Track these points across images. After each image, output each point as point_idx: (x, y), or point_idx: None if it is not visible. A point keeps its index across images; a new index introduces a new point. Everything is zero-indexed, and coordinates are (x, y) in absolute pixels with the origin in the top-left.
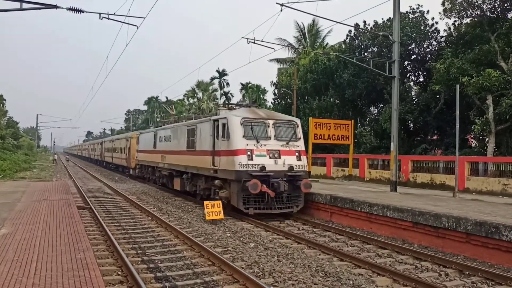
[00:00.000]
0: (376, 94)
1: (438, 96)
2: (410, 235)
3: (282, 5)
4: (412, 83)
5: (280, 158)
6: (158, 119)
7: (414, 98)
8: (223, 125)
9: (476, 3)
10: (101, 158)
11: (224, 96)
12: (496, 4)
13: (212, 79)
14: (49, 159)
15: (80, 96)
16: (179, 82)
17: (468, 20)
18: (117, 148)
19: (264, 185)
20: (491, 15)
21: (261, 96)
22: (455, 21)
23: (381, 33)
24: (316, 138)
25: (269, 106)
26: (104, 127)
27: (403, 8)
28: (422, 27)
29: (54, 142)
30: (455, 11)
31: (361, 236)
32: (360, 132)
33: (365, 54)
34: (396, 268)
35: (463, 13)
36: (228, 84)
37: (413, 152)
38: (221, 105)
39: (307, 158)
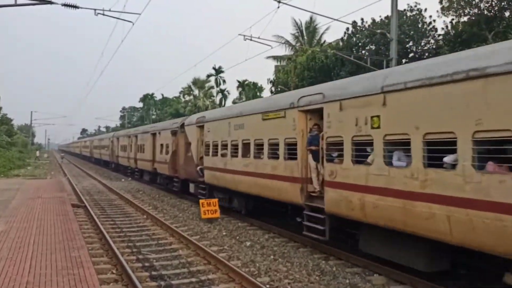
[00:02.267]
0: None
1: None
2: None
3: (279, 1)
4: None
5: None
6: (153, 117)
7: None
8: None
9: (474, 2)
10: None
11: (220, 94)
12: (493, 3)
13: (208, 76)
14: (44, 156)
15: (76, 92)
16: (175, 80)
17: (465, 18)
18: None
19: None
20: (489, 14)
21: (258, 93)
22: (452, 19)
23: (378, 31)
24: None
25: None
26: (99, 124)
27: (401, 6)
28: (419, 25)
29: (49, 140)
30: (453, 9)
31: None
32: None
33: (363, 52)
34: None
35: (461, 12)
36: (224, 81)
37: None
38: None
39: None
